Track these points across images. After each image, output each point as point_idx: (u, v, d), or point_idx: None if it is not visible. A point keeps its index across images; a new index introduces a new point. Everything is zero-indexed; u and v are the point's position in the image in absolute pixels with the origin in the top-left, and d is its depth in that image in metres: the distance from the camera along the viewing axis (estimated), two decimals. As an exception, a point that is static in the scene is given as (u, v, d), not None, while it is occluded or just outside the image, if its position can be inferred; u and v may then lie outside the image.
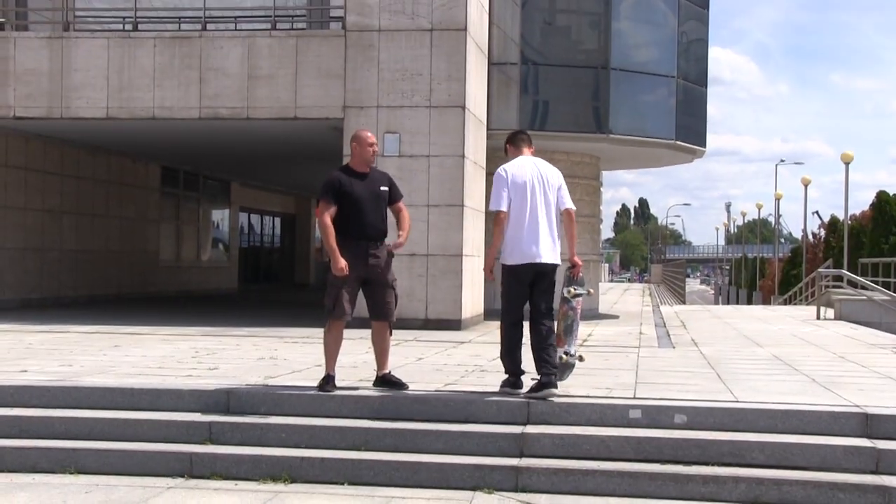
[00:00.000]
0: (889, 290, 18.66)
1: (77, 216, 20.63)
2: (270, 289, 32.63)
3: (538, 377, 7.62)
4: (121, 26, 16.62)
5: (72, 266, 20.41)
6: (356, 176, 7.92)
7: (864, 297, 19.47)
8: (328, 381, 7.82)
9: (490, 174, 17.16)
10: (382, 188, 7.99)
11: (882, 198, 37.85)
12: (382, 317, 8.00)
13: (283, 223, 36.60)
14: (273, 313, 18.90)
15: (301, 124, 15.73)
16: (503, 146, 8.32)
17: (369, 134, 8.09)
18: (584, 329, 15.28)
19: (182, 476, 7.00)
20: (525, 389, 7.73)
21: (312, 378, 8.28)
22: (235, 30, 16.39)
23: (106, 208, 21.88)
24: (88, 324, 14.72)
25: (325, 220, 7.75)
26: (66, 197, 20.12)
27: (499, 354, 7.99)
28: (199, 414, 7.62)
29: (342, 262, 7.64)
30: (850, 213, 33.96)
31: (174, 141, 19.39)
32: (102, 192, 21.68)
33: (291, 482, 6.88)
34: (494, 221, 7.70)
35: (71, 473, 7.05)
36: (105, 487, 6.74)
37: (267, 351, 11.06)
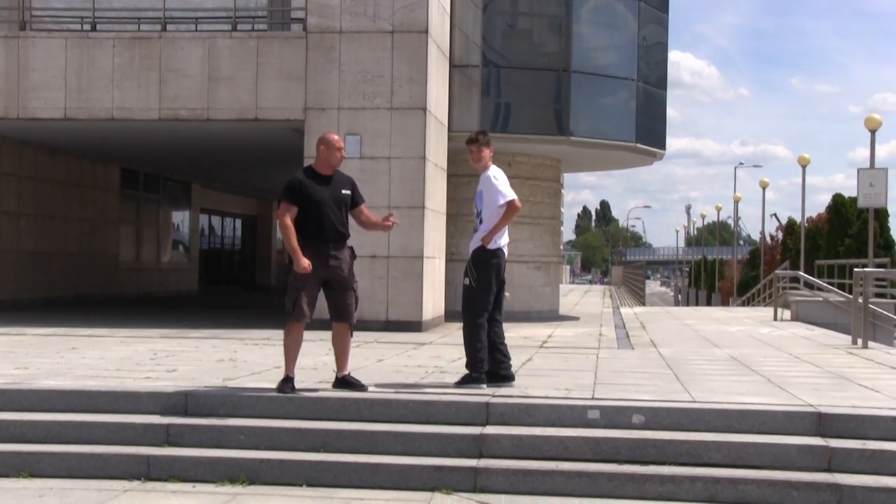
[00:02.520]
0: (844, 291, 18.90)
1: (35, 218, 20.37)
2: (231, 291, 32.45)
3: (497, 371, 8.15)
4: (79, 26, 16.46)
5: (29, 268, 20.15)
6: (319, 178, 7.93)
7: (820, 299, 19.73)
8: (287, 383, 7.81)
9: (452, 176, 17.35)
10: (344, 191, 8.01)
11: (838, 200, 38.36)
12: (343, 318, 8.00)
13: (244, 225, 36.41)
14: (233, 315, 18.79)
15: (262, 126, 15.66)
16: (480, 146, 8.39)
17: (338, 138, 8.09)
18: (544, 330, 15.41)
19: (139, 479, 6.95)
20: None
21: (272, 380, 8.26)
22: (196, 31, 16.27)
23: (65, 210, 21.64)
24: (45, 326, 14.55)
25: (286, 221, 7.76)
26: (23, 199, 19.86)
27: (473, 352, 8.13)
28: (157, 416, 7.57)
29: (305, 262, 7.64)
30: (807, 215, 34.40)
31: (134, 142, 19.23)
32: (61, 194, 21.44)
33: (250, 484, 6.86)
34: (512, 208, 8.11)
35: (25, 477, 6.97)
36: (59, 491, 6.68)
37: (226, 353, 11.01)
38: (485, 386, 8.00)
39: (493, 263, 8.14)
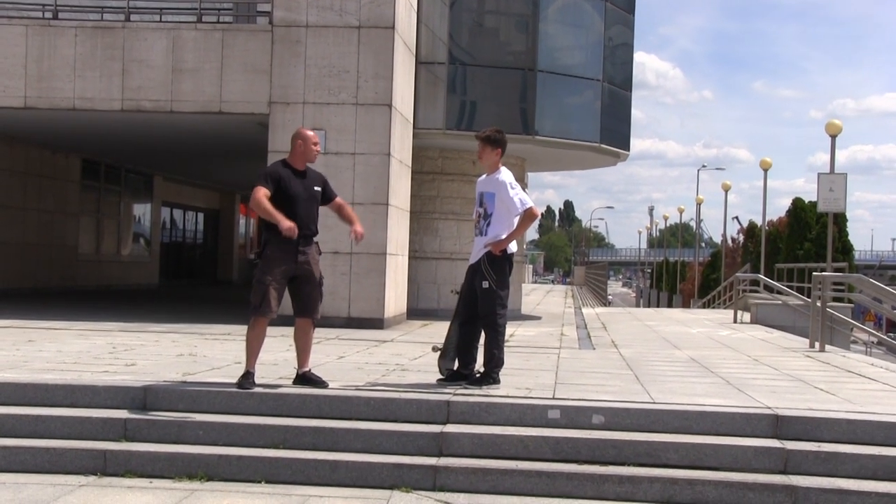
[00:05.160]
0: (803, 294, 19.12)
1: (-8, 207, 20.11)
2: (192, 285, 32.21)
3: (480, 370, 8.23)
4: (40, 14, 16.23)
5: (-14, 258, 19.89)
6: (295, 173, 7.92)
7: (779, 302, 19.93)
8: (248, 378, 7.76)
9: (416, 173, 17.32)
10: (316, 188, 8.02)
11: (798, 205, 38.83)
12: (307, 313, 7.97)
13: (206, 219, 36.15)
14: (194, 310, 18.65)
15: (226, 119, 15.55)
16: (484, 145, 8.29)
17: (314, 133, 8.09)
18: (506, 329, 15.40)
19: (95, 474, 6.88)
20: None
21: (232, 375, 8.20)
22: (160, 21, 16.13)
23: (23, 200, 21.36)
24: (1, 318, 14.36)
25: (258, 194, 7.63)
26: (-20, 187, 19.60)
27: (499, 352, 8.17)
28: (114, 410, 7.49)
29: (287, 222, 7.53)
30: (767, 218, 34.78)
31: (95, 133, 19.01)
32: (19, 184, 21.17)
33: (208, 480, 6.81)
34: (529, 216, 8.12)
35: (-22, 471, 6.87)
36: (13, 486, 6.58)
37: (186, 347, 10.92)
38: (499, 385, 8.04)
39: (507, 261, 8.18)
